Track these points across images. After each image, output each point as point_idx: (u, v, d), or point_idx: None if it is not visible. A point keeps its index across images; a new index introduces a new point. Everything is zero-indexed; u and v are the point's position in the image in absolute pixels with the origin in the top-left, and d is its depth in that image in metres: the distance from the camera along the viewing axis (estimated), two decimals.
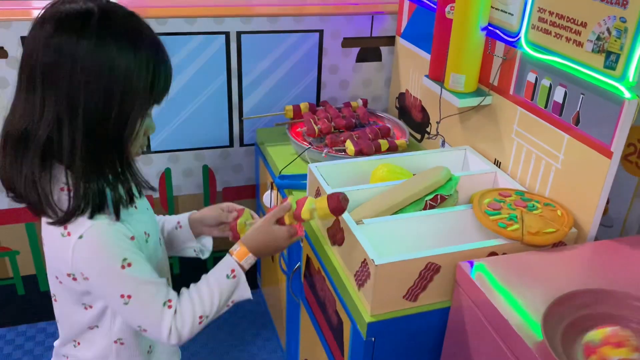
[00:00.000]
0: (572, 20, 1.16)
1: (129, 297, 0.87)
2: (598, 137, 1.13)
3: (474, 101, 1.45)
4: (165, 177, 1.98)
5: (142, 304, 0.89)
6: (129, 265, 0.86)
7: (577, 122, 1.18)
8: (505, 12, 1.37)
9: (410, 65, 1.88)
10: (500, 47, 1.40)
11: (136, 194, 0.94)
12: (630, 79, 1.05)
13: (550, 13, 1.22)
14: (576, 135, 1.19)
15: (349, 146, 1.61)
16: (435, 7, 1.65)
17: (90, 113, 0.79)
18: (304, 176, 1.50)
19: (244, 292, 0.99)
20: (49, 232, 0.88)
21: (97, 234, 0.85)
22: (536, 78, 1.29)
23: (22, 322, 2.11)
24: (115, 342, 0.98)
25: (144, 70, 0.82)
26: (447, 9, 1.45)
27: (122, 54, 0.80)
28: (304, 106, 1.86)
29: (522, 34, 1.31)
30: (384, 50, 2.01)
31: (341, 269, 1.23)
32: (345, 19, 1.92)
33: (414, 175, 1.43)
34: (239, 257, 0.99)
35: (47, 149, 0.81)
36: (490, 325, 0.99)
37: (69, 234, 0.85)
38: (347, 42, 1.96)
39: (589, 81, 1.14)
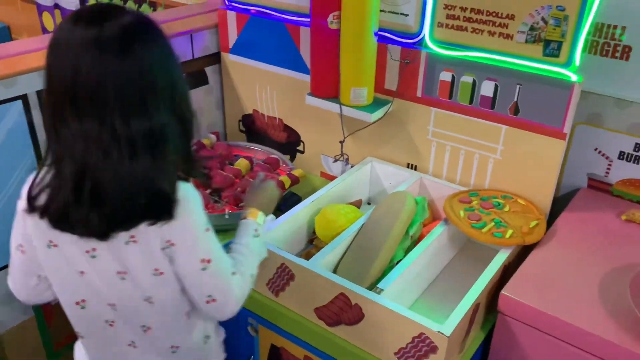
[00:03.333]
0: (494, 14, 1.14)
1: (209, 261, 0.84)
2: (546, 122, 1.16)
3: (380, 112, 1.35)
4: None
5: (218, 270, 0.85)
6: (208, 230, 0.85)
7: (515, 112, 1.19)
8: (397, 14, 1.28)
9: (254, 82, 1.65)
10: (395, 50, 1.31)
11: None
12: (577, 63, 1.09)
13: (463, 9, 1.18)
14: (517, 124, 1.20)
15: None
16: (275, 14, 1.48)
17: None
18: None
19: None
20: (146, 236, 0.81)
21: (194, 195, 0.84)
22: (453, 76, 1.25)
23: None
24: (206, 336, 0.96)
25: None
26: (330, 18, 1.28)
27: None
28: None
29: (425, 34, 1.25)
30: (209, 70, 1.72)
31: (364, 352, 1.03)
32: None
33: (357, 207, 1.28)
34: (253, 217, 1.00)
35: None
36: (561, 337, 0.95)
37: None
38: None
39: (526, 71, 1.15)
